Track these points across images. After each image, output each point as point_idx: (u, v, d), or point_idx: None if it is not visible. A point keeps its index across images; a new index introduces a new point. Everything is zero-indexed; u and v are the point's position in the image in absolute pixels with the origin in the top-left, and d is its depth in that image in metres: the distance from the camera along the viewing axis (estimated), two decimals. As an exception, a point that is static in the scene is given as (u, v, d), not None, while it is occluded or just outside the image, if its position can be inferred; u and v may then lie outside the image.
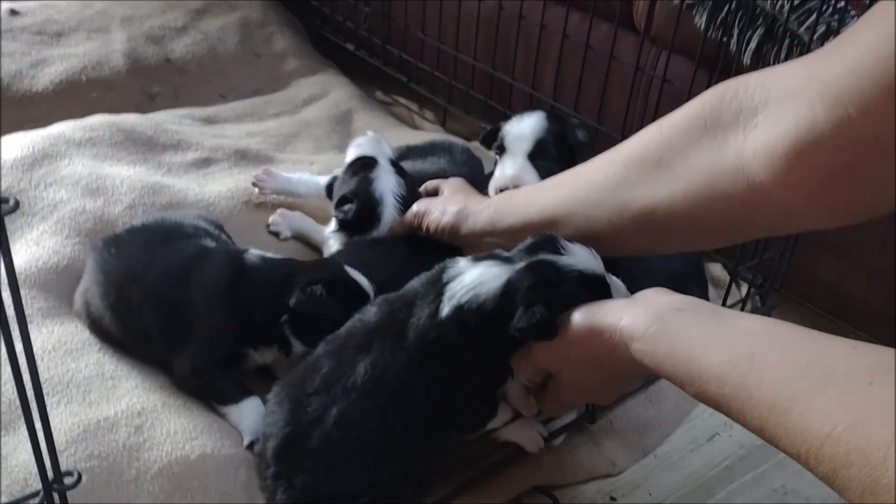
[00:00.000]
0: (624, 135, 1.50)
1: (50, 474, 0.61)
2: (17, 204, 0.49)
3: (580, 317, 0.86)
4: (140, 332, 1.11)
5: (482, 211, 1.10)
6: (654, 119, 1.35)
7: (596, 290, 0.90)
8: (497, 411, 1.01)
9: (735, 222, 0.88)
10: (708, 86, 0.99)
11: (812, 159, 0.75)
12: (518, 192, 1.12)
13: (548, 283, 0.88)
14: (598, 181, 0.97)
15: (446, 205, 1.16)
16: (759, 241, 1.29)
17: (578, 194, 0.99)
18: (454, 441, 1.01)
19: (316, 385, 0.93)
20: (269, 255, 1.15)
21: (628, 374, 0.89)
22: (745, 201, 0.83)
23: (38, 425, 0.64)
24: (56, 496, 0.62)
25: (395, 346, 0.93)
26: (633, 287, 0.91)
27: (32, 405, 0.61)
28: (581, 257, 0.91)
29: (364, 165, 1.29)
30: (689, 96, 1.16)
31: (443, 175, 1.31)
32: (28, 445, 0.95)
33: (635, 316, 0.80)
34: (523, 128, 1.33)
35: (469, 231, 1.11)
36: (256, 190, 1.44)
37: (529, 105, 1.72)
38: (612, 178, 0.95)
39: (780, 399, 0.62)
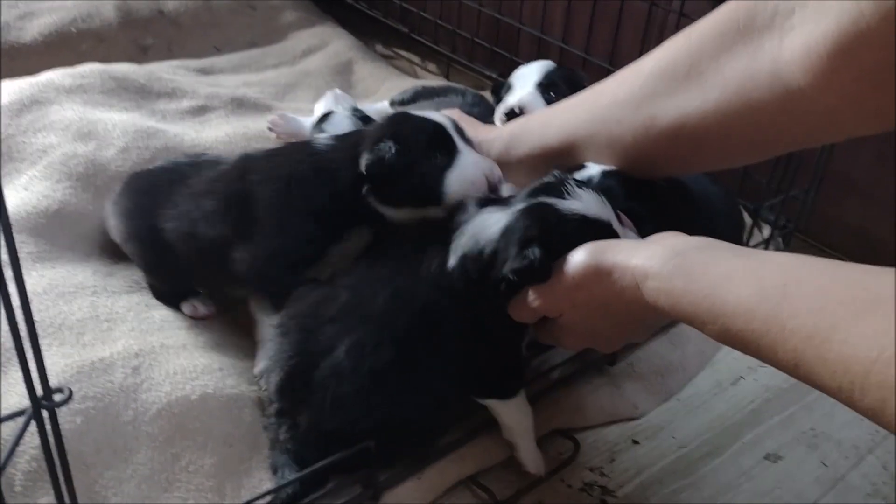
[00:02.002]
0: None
1: (39, 391, 0.55)
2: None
3: (586, 256, 0.79)
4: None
5: (494, 140, 1.04)
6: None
7: (597, 235, 0.84)
8: (521, 380, 0.95)
9: (769, 134, 0.82)
10: None
11: (856, 57, 0.69)
12: (533, 116, 1.06)
13: (545, 225, 0.83)
14: (622, 96, 0.91)
15: None
16: (782, 179, 1.24)
17: (600, 112, 0.93)
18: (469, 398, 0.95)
19: (332, 313, 0.87)
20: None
21: (636, 319, 0.82)
22: (782, 109, 0.78)
23: (27, 345, 0.58)
24: (45, 413, 0.56)
25: (416, 283, 0.89)
26: None
27: (21, 327, 0.55)
28: (586, 202, 0.86)
29: (321, 120, 1.34)
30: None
31: None
32: (19, 388, 0.91)
33: (650, 254, 0.73)
34: (531, 66, 1.30)
35: None
36: (274, 135, 1.41)
37: (538, 50, 1.67)
38: (638, 92, 0.89)
39: (818, 328, 0.56)
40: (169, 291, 1.11)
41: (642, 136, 0.89)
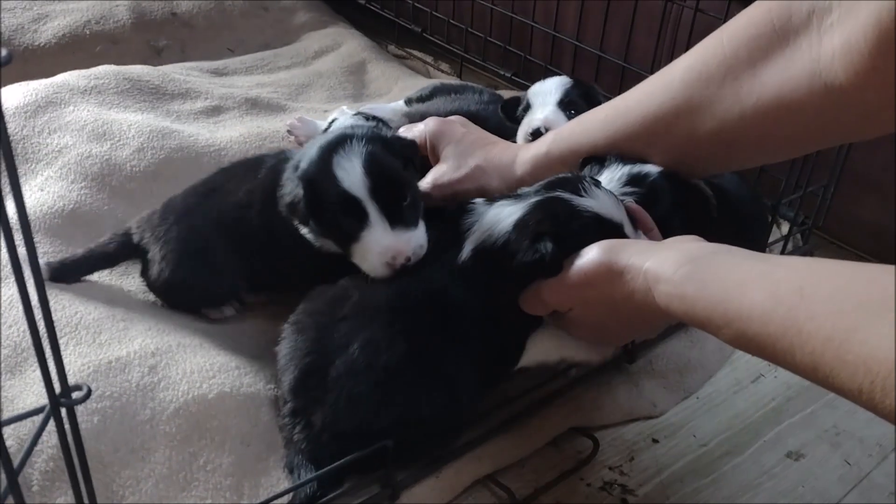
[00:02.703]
0: (653, 73, 1.44)
1: (57, 388, 0.55)
2: (9, 56, 0.43)
3: (599, 254, 0.79)
4: None
5: (516, 166, 1.04)
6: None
7: (608, 235, 0.84)
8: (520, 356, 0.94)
9: (807, 133, 0.82)
10: None
11: None
12: (562, 130, 1.04)
13: (558, 218, 0.83)
14: (653, 110, 0.91)
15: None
16: (801, 175, 1.22)
17: (634, 130, 0.93)
18: (485, 387, 0.94)
19: (346, 310, 0.87)
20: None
21: (645, 320, 0.81)
22: (821, 108, 0.77)
23: (46, 343, 0.58)
24: (63, 411, 0.55)
25: (430, 278, 0.89)
26: None
27: (40, 325, 0.54)
28: (601, 201, 0.86)
29: (328, 128, 1.34)
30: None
31: (471, 114, 1.24)
32: (35, 387, 0.91)
33: (663, 258, 0.73)
34: (548, 84, 1.27)
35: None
36: (292, 137, 1.42)
37: (551, 48, 1.66)
38: (670, 104, 0.89)
39: (836, 330, 0.55)
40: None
41: (678, 149, 0.91)
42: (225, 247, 1.06)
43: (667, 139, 0.92)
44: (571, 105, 1.22)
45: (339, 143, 0.93)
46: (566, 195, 0.85)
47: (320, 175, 0.92)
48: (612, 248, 0.79)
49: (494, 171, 1.04)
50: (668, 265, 0.71)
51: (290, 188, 0.94)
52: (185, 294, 1.08)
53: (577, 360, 0.95)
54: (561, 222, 0.83)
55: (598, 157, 0.97)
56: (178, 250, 1.05)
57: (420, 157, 1.09)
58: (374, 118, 1.31)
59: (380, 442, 0.84)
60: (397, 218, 0.91)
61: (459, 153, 1.06)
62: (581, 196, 0.85)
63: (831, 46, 0.74)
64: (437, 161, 1.09)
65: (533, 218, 0.84)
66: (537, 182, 0.92)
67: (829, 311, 0.56)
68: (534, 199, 0.86)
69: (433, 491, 0.91)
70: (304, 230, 0.98)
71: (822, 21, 0.75)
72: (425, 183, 1.07)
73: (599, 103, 1.19)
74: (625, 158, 0.96)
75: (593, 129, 0.98)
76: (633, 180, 0.94)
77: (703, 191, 1.00)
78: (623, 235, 0.86)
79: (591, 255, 0.79)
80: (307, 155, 0.95)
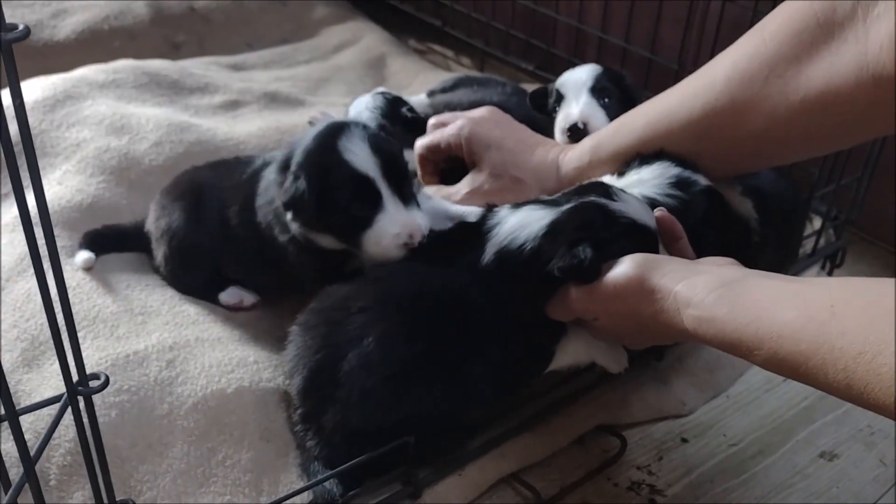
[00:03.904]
0: (681, 64, 1.41)
1: (75, 376, 0.53)
2: (27, 30, 0.41)
3: (632, 269, 0.77)
4: None
5: (559, 174, 1.03)
6: (714, 47, 1.27)
7: (644, 242, 0.83)
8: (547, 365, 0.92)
9: (856, 124, 0.81)
10: (776, 3, 0.90)
11: None
12: (604, 134, 1.02)
13: (596, 224, 0.82)
14: (697, 112, 0.90)
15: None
16: (833, 168, 1.19)
17: (679, 133, 0.92)
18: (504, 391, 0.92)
19: (362, 303, 0.85)
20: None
21: (667, 336, 0.81)
22: (869, 100, 0.76)
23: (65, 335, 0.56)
24: (81, 400, 0.53)
25: (450, 275, 0.87)
26: None
27: (59, 319, 0.53)
28: (633, 206, 0.84)
29: None
30: (755, 18, 1.07)
31: (493, 104, 1.21)
32: (53, 381, 0.90)
33: (695, 282, 0.72)
34: (578, 73, 1.21)
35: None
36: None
37: (576, 42, 1.63)
38: (714, 105, 0.88)
39: (868, 344, 0.55)
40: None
41: (723, 150, 0.91)
42: (208, 243, 1.06)
43: (713, 140, 0.91)
44: (604, 92, 1.17)
45: (338, 130, 0.90)
46: (602, 200, 0.84)
47: (328, 160, 0.88)
48: (645, 263, 0.78)
49: (536, 185, 1.02)
50: (699, 289, 0.71)
51: (287, 185, 0.90)
52: (182, 283, 1.08)
53: (600, 363, 0.92)
54: (599, 228, 0.81)
55: (646, 155, 0.95)
56: (168, 242, 1.07)
57: (453, 157, 1.08)
58: (395, 96, 1.29)
59: (392, 441, 0.82)
60: (406, 197, 0.89)
61: (500, 162, 1.04)
62: (615, 201, 0.83)
63: (878, 37, 0.73)
64: (472, 163, 1.06)
65: (570, 223, 0.82)
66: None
67: (860, 325, 0.57)
68: (569, 205, 0.84)
69: (456, 489, 0.89)
70: (292, 229, 0.93)
71: (869, 12, 0.74)
72: (462, 189, 1.05)
73: (630, 90, 1.17)
74: (674, 160, 0.94)
75: (637, 132, 0.96)
76: (680, 184, 0.92)
77: (744, 216, 0.98)
78: (656, 241, 0.85)
79: (623, 268, 0.78)
80: (301, 148, 0.91)
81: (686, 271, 0.75)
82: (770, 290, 0.67)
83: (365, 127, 0.91)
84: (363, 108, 1.25)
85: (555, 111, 1.19)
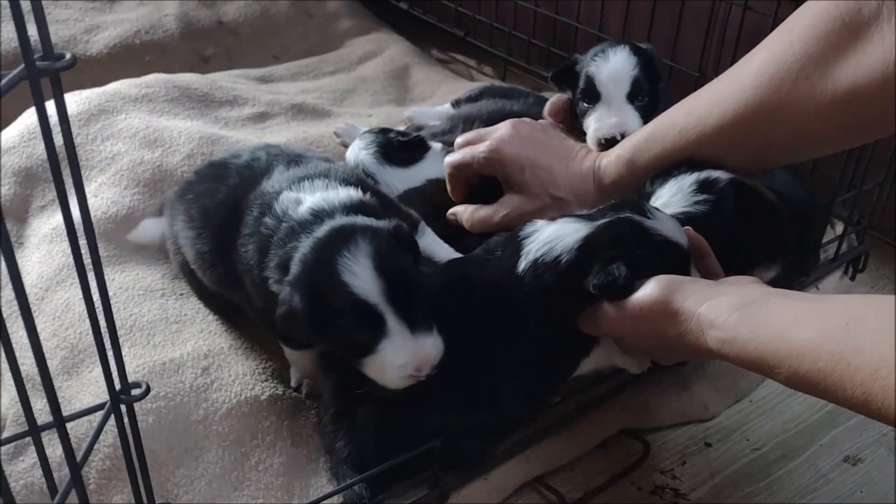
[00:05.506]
0: (701, 71, 1.42)
1: (117, 384, 0.56)
2: (73, 59, 0.44)
3: (658, 292, 0.79)
4: None
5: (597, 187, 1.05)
6: (735, 54, 1.28)
7: (677, 260, 0.85)
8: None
9: (884, 120, 0.82)
10: (796, 8, 0.91)
11: None
12: (637, 144, 1.03)
13: (630, 241, 0.83)
14: (728, 117, 0.92)
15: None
16: (855, 173, 1.20)
17: (711, 138, 0.94)
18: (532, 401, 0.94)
19: None
20: None
21: (693, 355, 0.82)
22: None
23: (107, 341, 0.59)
24: (123, 407, 0.56)
25: (483, 282, 0.89)
26: None
27: (102, 324, 0.56)
28: (666, 224, 0.86)
29: None
30: (776, 24, 1.07)
31: (515, 115, 1.22)
32: (92, 388, 0.93)
33: (717, 304, 0.74)
34: (615, 67, 1.13)
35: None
36: (338, 139, 1.44)
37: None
38: (745, 111, 0.90)
39: (883, 360, 0.58)
40: None
41: (756, 149, 0.93)
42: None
43: (743, 143, 0.93)
44: (639, 91, 1.13)
45: (341, 241, 0.79)
46: (636, 217, 0.85)
47: (325, 283, 0.78)
48: (670, 286, 0.79)
49: (575, 200, 1.04)
50: (721, 310, 0.73)
51: (283, 296, 0.80)
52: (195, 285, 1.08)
53: (621, 366, 0.94)
54: (633, 245, 0.83)
55: (662, 171, 0.97)
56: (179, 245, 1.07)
57: (482, 177, 1.09)
58: (380, 128, 1.30)
59: (423, 445, 0.84)
60: (415, 322, 0.79)
61: (538, 183, 1.05)
62: (649, 218, 0.85)
63: None
64: (507, 183, 1.07)
65: (604, 239, 0.84)
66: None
67: (875, 342, 0.59)
68: (605, 220, 0.85)
69: (481, 493, 0.91)
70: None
71: (894, 11, 0.75)
72: (500, 212, 1.06)
73: (658, 72, 1.15)
74: (693, 165, 0.96)
75: (669, 141, 0.98)
76: (702, 187, 0.94)
77: (771, 200, 0.99)
78: (687, 260, 0.87)
79: (648, 290, 0.80)
80: (300, 254, 0.81)
81: (709, 292, 0.77)
82: (789, 309, 0.69)
83: (375, 235, 0.80)
84: (359, 152, 1.25)
85: (582, 101, 1.14)
